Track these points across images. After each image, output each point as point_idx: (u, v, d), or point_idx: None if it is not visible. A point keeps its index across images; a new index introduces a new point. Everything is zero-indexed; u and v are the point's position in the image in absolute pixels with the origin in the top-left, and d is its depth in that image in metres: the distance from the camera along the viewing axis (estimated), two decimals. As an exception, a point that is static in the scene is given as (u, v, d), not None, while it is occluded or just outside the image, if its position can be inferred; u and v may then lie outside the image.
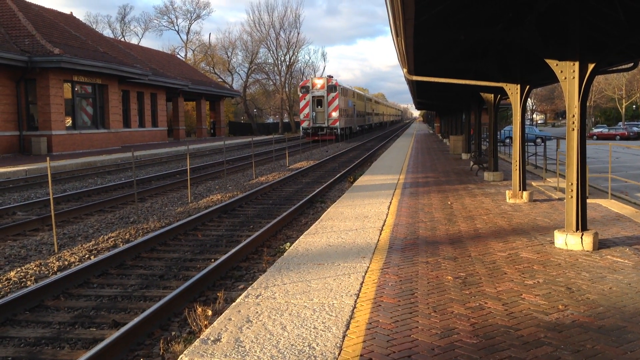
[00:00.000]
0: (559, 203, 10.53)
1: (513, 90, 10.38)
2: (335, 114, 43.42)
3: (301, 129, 44.52)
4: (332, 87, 43.88)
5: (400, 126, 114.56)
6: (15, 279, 7.43)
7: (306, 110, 43.91)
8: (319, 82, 44.31)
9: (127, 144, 35.94)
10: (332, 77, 45.50)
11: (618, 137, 51.56)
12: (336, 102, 43.40)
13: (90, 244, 9.39)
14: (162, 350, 5.12)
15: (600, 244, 6.98)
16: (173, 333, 5.58)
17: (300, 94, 44.82)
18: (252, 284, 5.73)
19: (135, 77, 35.32)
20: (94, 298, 6.72)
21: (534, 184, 13.61)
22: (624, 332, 4.25)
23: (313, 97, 43.71)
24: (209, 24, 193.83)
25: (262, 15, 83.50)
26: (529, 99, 20.68)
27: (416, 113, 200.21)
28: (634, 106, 74.46)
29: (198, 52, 79.66)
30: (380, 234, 7.92)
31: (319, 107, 43.89)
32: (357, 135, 56.29)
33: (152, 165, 24.67)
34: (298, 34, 79.03)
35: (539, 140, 34.05)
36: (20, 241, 9.71)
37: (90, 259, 8.40)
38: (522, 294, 5.17)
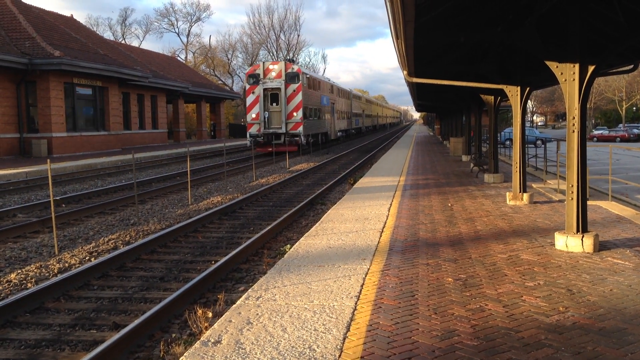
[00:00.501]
0: (559, 205, 10.53)
1: (513, 92, 10.39)
2: (297, 115, 30.94)
3: (248, 135, 31.42)
4: (293, 76, 31.16)
5: (398, 129, 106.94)
6: (15, 281, 7.43)
7: (255, 109, 30.98)
8: (273, 69, 31.37)
9: (127, 146, 35.97)
10: (293, 61, 33.76)
11: (618, 139, 51.55)
12: (299, 98, 30.98)
13: (91, 245, 9.39)
14: (162, 352, 5.12)
15: (600, 246, 6.98)
16: (173, 335, 5.58)
17: (248, 86, 31.61)
18: (252, 285, 5.73)
19: (136, 80, 35.35)
20: (94, 300, 6.72)
21: (534, 185, 13.61)
22: (624, 334, 4.25)
23: (265, 90, 30.85)
24: (209, 26, 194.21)
25: (262, 18, 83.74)
26: (529, 101, 20.68)
27: (416, 115, 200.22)
28: (634, 108, 74.49)
29: (198, 54, 79.86)
30: (381, 236, 7.92)
31: (274, 104, 31.04)
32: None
33: (153, 167, 24.68)
34: (298, 36, 78.88)
35: (539, 142, 34.10)
36: (21, 243, 9.71)
37: (91, 260, 8.40)
38: (522, 296, 5.17)
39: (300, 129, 31.02)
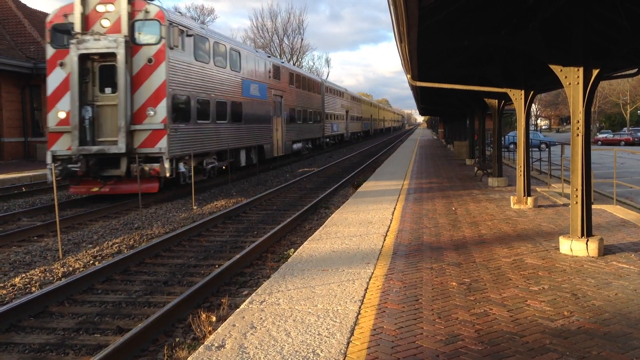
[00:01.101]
0: (563, 209, 10.49)
1: (517, 96, 10.37)
2: (156, 113, 14.35)
3: (48, 157, 14.44)
4: (147, 28, 14.49)
5: (400, 134, 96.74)
6: (20, 285, 7.45)
7: (64, 102, 14.48)
8: (105, 13, 14.38)
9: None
10: None
11: (623, 142, 51.38)
12: (160, 75, 14.36)
13: (95, 250, 9.41)
14: (166, 357, 5.12)
15: (605, 250, 6.95)
16: (177, 339, 5.58)
17: (51, 51, 14.72)
18: (256, 290, 5.73)
19: (140, 84, 35.44)
20: (98, 304, 6.73)
21: (538, 189, 13.57)
22: (629, 338, 4.23)
23: (86, 57, 14.19)
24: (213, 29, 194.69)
25: (265, 22, 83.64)
26: (533, 105, 20.63)
27: (420, 119, 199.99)
28: (639, 111, 74.27)
29: (202, 58, 79.82)
30: (385, 240, 7.91)
31: (107, 89, 14.40)
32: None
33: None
34: (302, 40, 78.68)
35: (543, 145, 34.00)
36: (25, 247, 9.74)
37: (95, 265, 8.42)
38: (527, 300, 5.15)
39: (163, 143, 14.40)
